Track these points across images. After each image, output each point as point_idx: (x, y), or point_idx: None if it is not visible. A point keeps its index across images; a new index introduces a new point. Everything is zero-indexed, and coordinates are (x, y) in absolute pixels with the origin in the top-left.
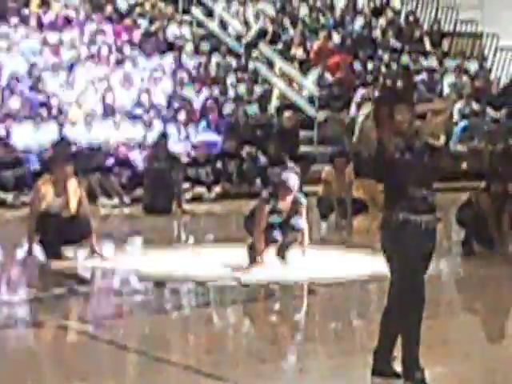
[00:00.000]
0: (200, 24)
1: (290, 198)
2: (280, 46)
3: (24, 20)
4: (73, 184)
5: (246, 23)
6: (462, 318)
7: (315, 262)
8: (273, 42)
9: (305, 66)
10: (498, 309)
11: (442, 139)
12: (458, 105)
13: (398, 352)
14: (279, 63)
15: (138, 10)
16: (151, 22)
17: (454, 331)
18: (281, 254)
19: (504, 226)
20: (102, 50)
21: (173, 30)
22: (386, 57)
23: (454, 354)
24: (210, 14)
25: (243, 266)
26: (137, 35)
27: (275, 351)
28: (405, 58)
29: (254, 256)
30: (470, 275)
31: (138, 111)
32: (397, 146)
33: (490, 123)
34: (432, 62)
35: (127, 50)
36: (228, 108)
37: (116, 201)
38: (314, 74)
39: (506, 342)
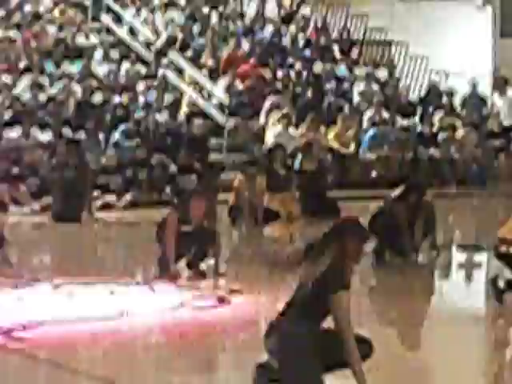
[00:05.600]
0: (109, 31)
1: (202, 207)
2: (190, 53)
3: None
4: None
5: (156, 31)
6: (374, 329)
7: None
8: (182, 49)
9: (214, 74)
10: (410, 319)
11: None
12: (368, 113)
13: None
14: (189, 71)
15: (47, 16)
16: (60, 28)
17: None
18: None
19: (417, 236)
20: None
21: (82, 38)
22: (296, 65)
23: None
24: (119, 21)
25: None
26: (46, 42)
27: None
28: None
29: (165, 267)
30: (382, 285)
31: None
32: None
33: (399, 131)
34: (342, 70)
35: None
36: (138, 116)
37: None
38: (223, 82)
39: (419, 353)
